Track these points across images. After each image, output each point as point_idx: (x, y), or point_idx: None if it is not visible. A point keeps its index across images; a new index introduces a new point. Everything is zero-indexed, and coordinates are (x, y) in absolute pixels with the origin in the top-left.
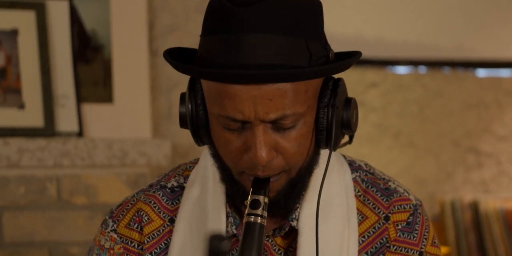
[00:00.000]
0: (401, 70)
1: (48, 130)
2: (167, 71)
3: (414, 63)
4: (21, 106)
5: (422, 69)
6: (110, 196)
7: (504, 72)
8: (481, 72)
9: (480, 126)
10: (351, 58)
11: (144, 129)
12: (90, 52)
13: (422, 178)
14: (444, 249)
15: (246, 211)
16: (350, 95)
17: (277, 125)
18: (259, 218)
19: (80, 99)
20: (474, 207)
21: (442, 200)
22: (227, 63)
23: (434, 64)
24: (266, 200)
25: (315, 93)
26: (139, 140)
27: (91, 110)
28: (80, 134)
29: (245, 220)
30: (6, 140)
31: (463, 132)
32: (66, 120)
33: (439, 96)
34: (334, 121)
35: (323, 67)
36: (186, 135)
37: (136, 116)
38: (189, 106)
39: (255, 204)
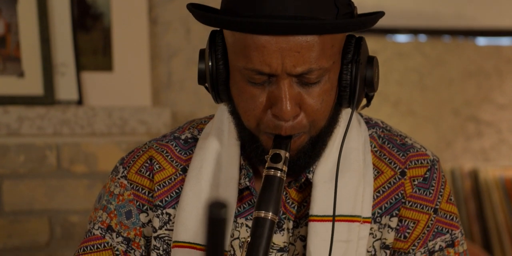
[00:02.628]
0: (401, 38)
1: (48, 98)
2: (166, 39)
3: (414, 31)
4: (21, 74)
5: (422, 38)
6: (110, 164)
7: (504, 41)
8: (481, 41)
9: (480, 95)
10: (376, 15)
11: (144, 97)
12: (89, 20)
13: None
14: None
15: (267, 165)
16: None
17: (303, 80)
18: (279, 172)
19: (80, 67)
20: (474, 175)
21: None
22: (254, 14)
23: (434, 33)
24: (287, 155)
25: (340, 49)
26: (139, 108)
27: (91, 78)
28: (79, 102)
29: (265, 173)
30: (5, 108)
31: (463, 100)
32: (65, 88)
33: (439, 64)
34: (358, 77)
35: (352, 21)
36: (186, 103)
37: (135, 84)
38: (209, 61)
39: (276, 158)
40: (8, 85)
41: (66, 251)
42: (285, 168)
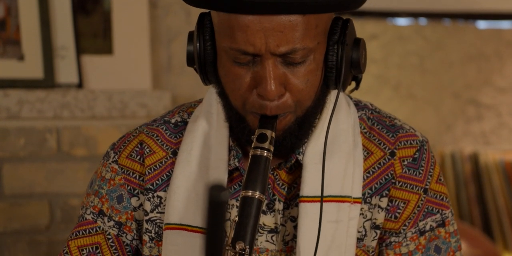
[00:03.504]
0: (401, 21)
1: (48, 81)
2: (167, 22)
3: (414, 14)
4: (21, 57)
5: (423, 21)
6: None
7: (504, 24)
8: (482, 24)
9: (480, 78)
10: None
11: (144, 81)
12: (89, 3)
13: (422, 129)
14: None
15: (253, 145)
16: None
17: (287, 60)
18: (266, 151)
19: (80, 50)
20: (474, 159)
21: (442, 151)
22: None
23: (434, 16)
24: (273, 134)
25: (325, 30)
26: (139, 91)
27: (91, 61)
28: (80, 85)
29: (251, 153)
30: (6, 92)
31: (463, 84)
32: (66, 71)
33: (439, 48)
34: (344, 58)
35: (334, 0)
36: (186, 87)
37: (136, 68)
38: (197, 43)
39: (262, 138)
40: (8, 69)
41: (66, 234)
42: (271, 148)
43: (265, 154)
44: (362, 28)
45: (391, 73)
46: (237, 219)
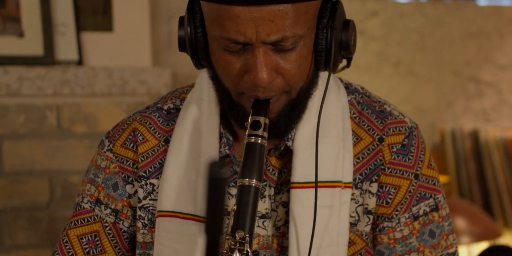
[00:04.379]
0: None
1: (48, 58)
2: None
3: None
4: (21, 34)
5: None
6: (110, 125)
7: (505, 1)
8: (482, 1)
9: (481, 55)
10: None
11: (144, 58)
12: None
13: (423, 107)
14: (444, 178)
15: (247, 132)
16: None
17: (278, 47)
18: (260, 138)
19: (80, 27)
20: (474, 136)
21: (442, 129)
22: None
23: None
24: (267, 121)
25: (315, 16)
26: (139, 68)
27: (91, 38)
28: (80, 62)
29: (246, 141)
30: (5, 69)
31: (464, 61)
32: (65, 48)
33: (439, 25)
34: (333, 42)
35: None
36: (186, 64)
37: (136, 45)
38: (188, 29)
39: (255, 125)
40: (8, 46)
41: (66, 211)
42: (265, 134)
43: (259, 141)
44: (362, 5)
45: (392, 50)
46: (235, 208)
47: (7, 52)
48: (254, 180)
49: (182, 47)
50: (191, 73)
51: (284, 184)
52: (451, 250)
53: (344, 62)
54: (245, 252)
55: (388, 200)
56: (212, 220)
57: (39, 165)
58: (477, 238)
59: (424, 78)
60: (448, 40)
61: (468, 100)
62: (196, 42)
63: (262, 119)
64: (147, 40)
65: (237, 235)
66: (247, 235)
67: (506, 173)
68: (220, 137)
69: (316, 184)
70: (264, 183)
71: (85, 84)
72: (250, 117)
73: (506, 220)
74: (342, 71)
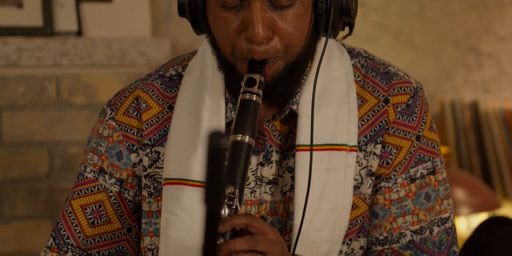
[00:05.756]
0: None
1: (47, 29)
2: None
3: None
4: (20, 5)
5: None
6: (109, 95)
7: None
8: None
9: (481, 26)
10: None
11: (144, 28)
12: None
13: (422, 78)
14: (443, 149)
15: (242, 89)
16: None
17: (274, 3)
18: (254, 95)
19: None
20: (474, 107)
21: (442, 100)
22: None
23: None
24: (262, 79)
25: None
26: (138, 39)
27: (90, 9)
28: (79, 33)
29: (240, 97)
30: (5, 40)
31: (464, 32)
32: (65, 19)
33: None
34: (333, 4)
35: None
36: (185, 34)
37: (135, 15)
38: None
39: (250, 82)
40: (7, 16)
41: (65, 182)
42: (260, 92)
43: (254, 98)
44: None
45: (391, 20)
46: (226, 163)
47: (6, 22)
48: (247, 137)
49: (181, 12)
50: (191, 44)
51: (290, 149)
52: (444, 215)
53: (346, 30)
54: (234, 207)
55: (389, 160)
56: (211, 190)
57: (39, 136)
58: (477, 209)
59: (423, 49)
60: (448, 11)
61: (468, 71)
62: (195, 5)
63: (257, 77)
64: (147, 11)
65: (226, 190)
66: (237, 190)
67: (506, 144)
68: (226, 102)
69: (311, 147)
70: (271, 149)
71: (85, 55)
72: (245, 75)
73: (506, 191)
74: (344, 39)
